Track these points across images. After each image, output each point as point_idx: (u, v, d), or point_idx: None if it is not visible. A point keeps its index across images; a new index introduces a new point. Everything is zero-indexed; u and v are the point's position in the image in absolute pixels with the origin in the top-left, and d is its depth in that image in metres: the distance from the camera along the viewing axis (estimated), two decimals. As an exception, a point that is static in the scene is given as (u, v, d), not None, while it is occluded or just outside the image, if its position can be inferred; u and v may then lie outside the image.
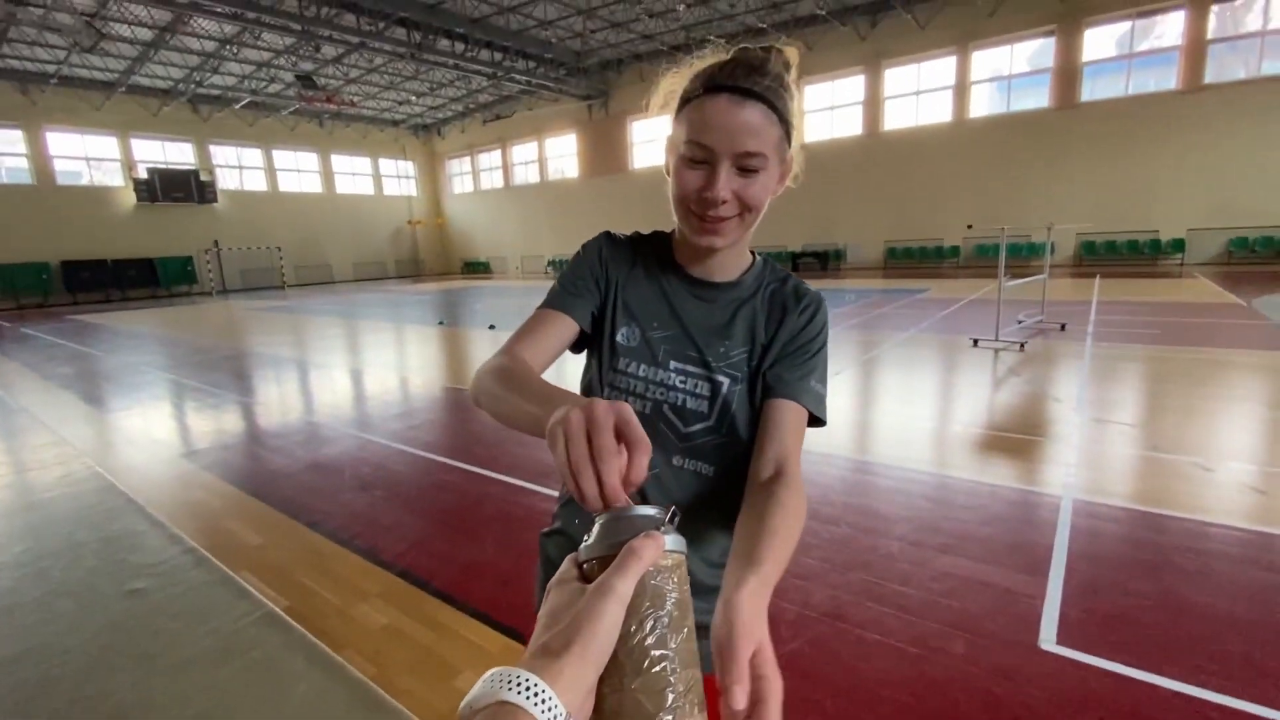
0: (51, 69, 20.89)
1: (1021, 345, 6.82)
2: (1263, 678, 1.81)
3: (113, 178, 24.23)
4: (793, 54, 0.77)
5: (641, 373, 0.82)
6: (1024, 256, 18.14)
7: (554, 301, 0.84)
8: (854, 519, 2.96)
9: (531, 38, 21.22)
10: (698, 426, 0.81)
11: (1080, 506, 2.97)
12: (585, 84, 25.12)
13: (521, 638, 2.15)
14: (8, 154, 21.94)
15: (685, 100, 0.75)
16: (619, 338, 0.84)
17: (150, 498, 3.64)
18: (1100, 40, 17.00)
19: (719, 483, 0.80)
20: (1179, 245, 16.36)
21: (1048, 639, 2.02)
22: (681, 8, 18.59)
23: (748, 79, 0.70)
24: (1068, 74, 17.22)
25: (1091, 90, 17.21)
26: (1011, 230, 7.43)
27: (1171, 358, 6.09)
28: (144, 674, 2.06)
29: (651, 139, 25.98)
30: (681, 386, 0.81)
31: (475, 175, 33.01)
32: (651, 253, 0.89)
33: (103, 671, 2.09)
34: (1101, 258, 17.45)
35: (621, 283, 0.86)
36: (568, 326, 0.83)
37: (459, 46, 20.34)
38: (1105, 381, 5.37)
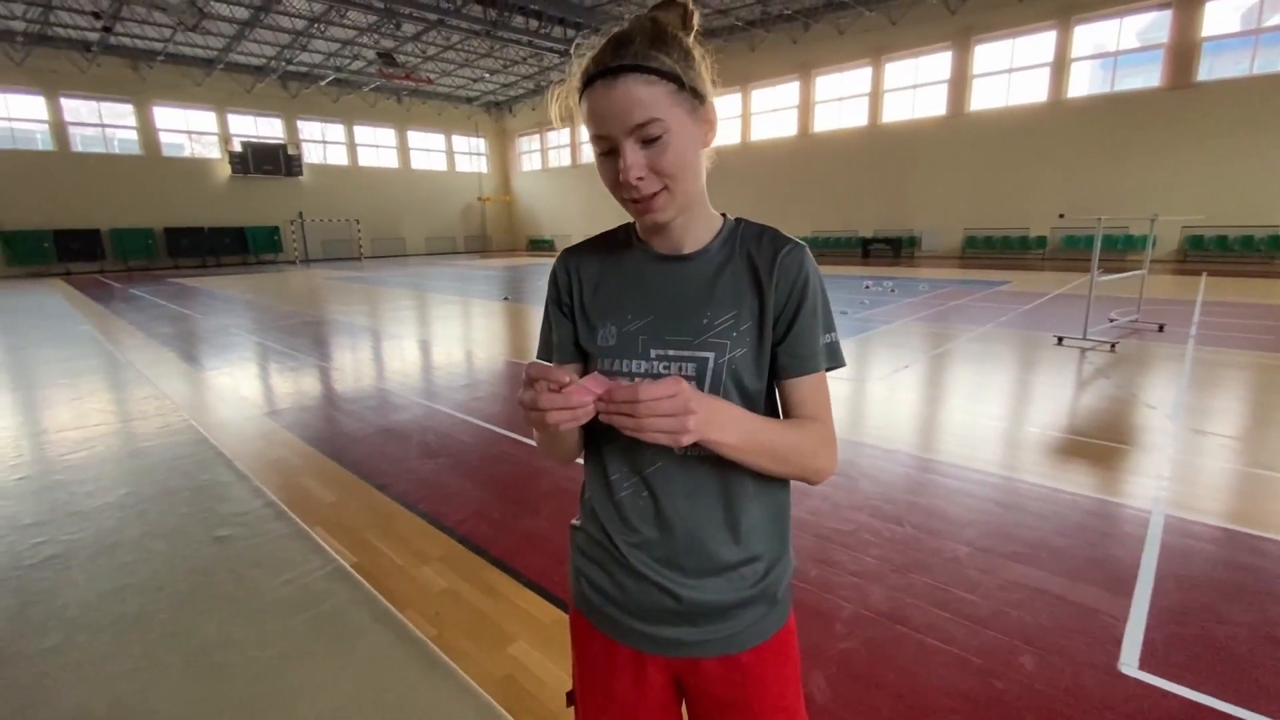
0: (159, 46, 22.34)
1: (1112, 345, 6.35)
2: (1382, 727, 1.63)
3: (210, 150, 25.87)
4: (671, 8, 0.74)
5: (626, 369, 0.81)
6: (1119, 249, 16.83)
7: (541, 354, 0.90)
8: (918, 519, 2.84)
9: (605, 13, 21.07)
10: None
11: (1172, 523, 2.75)
12: (656, 61, 24.74)
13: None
14: (120, 126, 23.73)
15: (581, 97, 0.73)
16: (599, 341, 0.84)
17: (236, 452, 3.90)
18: (1223, 14, 15.39)
19: (722, 465, 0.77)
20: (1303, 242, 14.79)
21: (1129, 663, 1.89)
22: (759, -19, 17.99)
23: (615, 56, 0.69)
24: (1184, 51, 15.71)
25: (1210, 69, 15.65)
26: (1108, 221, 6.88)
27: (1287, 366, 5.53)
28: (228, 615, 2.22)
29: (721, 117, 25.26)
30: (666, 372, 0.79)
31: (544, 153, 33.35)
32: (617, 245, 0.88)
33: (191, 611, 2.26)
34: (1209, 253, 15.99)
35: (588, 292, 0.86)
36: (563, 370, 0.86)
37: (533, 23, 20.46)
38: (1207, 389, 4.94)
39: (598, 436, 0.86)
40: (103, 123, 23.34)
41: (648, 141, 0.70)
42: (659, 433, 0.62)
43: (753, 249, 0.81)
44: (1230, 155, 15.34)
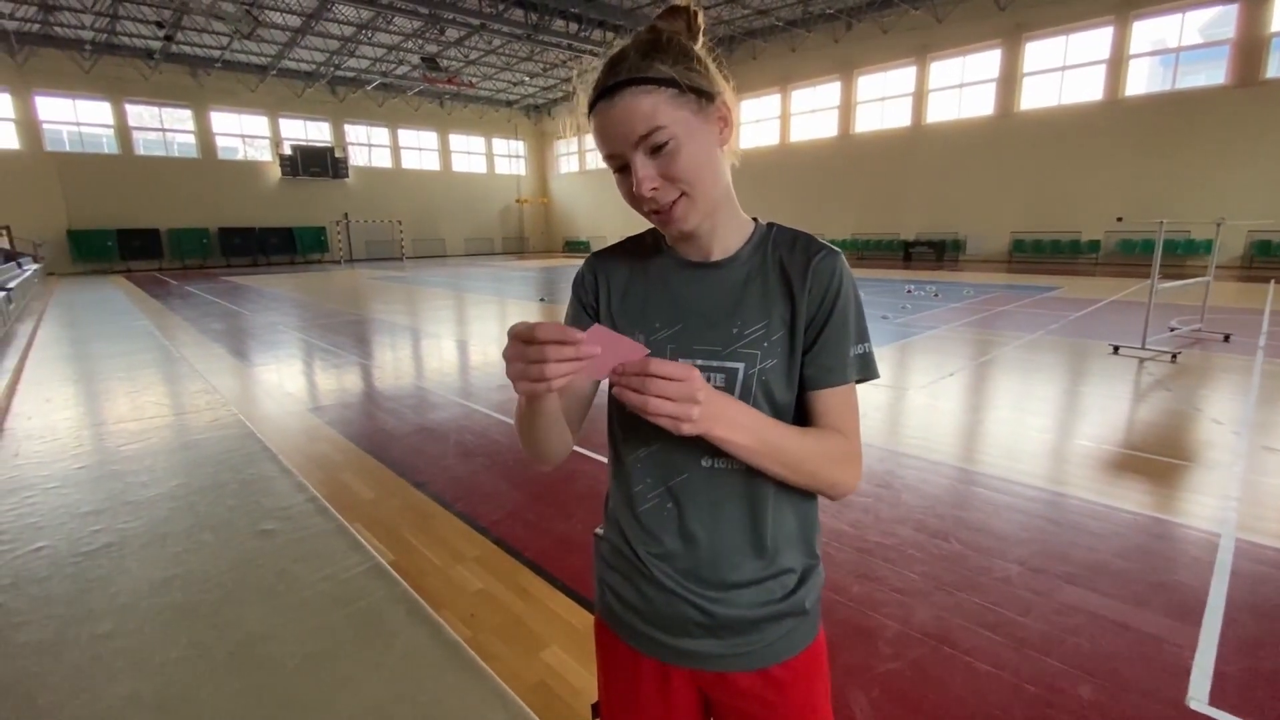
0: (216, 54, 23.30)
1: (1173, 356, 6.04)
2: None
3: (262, 153, 26.84)
4: (676, 16, 0.72)
5: None
6: (1179, 254, 16.06)
7: None
8: (966, 535, 2.73)
9: (644, 16, 21.10)
10: None
11: (1244, 548, 2.58)
12: (695, 63, 24.71)
13: (608, 619, 2.16)
14: (180, 130, 24.82)
15: (591, 128, 0.73)
16: None
17: (281, 446, 4.00)
18: (1300, 5, 14.55)
19: (748, 477, 0.76)
20: (1385, 249, 13.86)
21: (1198, 697, 1.77)
22: (801, -19, 17.77)
23: (610, 75, 0.68)
24: (1251, 45, 14.90)
25: (1282, 65, 14.82)
26: (1176, 225, 6.55)
27: (1370, 382, 5.16)
28: (270, 609, 2.26)
29: (759, 119, 25.24)
30: None
31: (581, 155, 33.59)
32: (645, 250, 0.85)
33: (235, 602, 2.31)
34: (1278, 260, 15.13)
35: (616, 298, 0.84)
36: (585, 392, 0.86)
37: (573, 27, 20.63)
38: (1278, 404, 4.65)
39: (622, 448, 0.84)
40: (163, 127, 24.44)
41: (655, 150, 0.68)
42: (662, 415, 0.60)
43: (785, 255, 0.78)
44: (1304, 156, 14.49)
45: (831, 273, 0.75)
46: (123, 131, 23.37)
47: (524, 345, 0.58)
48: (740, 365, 0.75)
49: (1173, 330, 7.11)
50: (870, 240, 22.28)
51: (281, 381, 5.87)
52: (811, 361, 0.75)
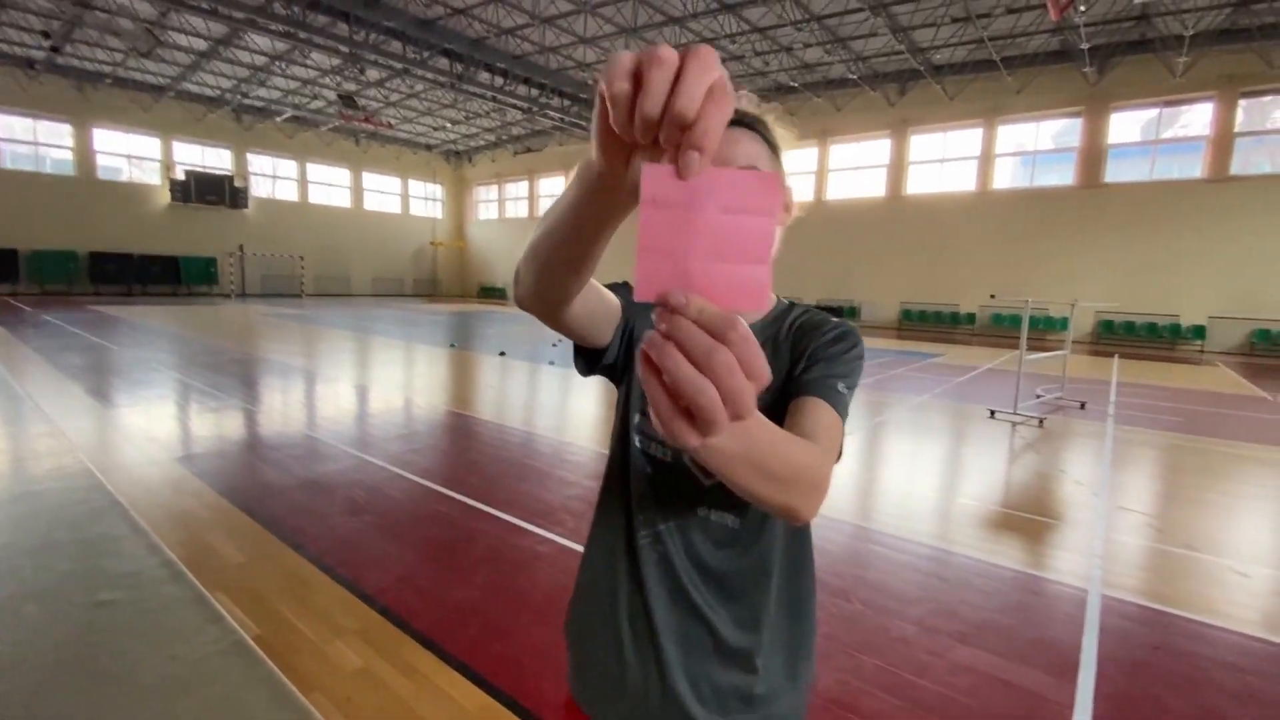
0: (107, 69, 21.66)
1: (1040, 421, 6.65)
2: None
3: (151, 176, 24.85)
4: (772, 114, 0.78)
5: (652, 429, 0.78)
6: (1039, 329, 18.02)
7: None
8: (865, 594, 2.79)
9: (568, 77, 21.81)
10: None
11: (1109, 604, 2.79)
12: (617, 125, 25.65)
13: (502, 697, 2.00)
14: (55, 145, 22.60)
15: None
16: (633, 388, 0.82)
17: (136, 500, 3.53)
18: (1126, 124, 17.22)
19: (744, 534, 0.77)
20: (1200, 332, 16.19)
21: (1077, 755, 1.84)
22: (717, 61, 19.06)
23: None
24: (1093, 154, 17.40)
25: (1116, 172, 17.36)
26: (1041, 303, 7.34)
27: (1197, 447, 5.90)
28: (101, 697, 1.93)
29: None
30: None
31: (501, 204, 33.58)
32: None
33: (59, 690, 1.95)
34: (1120, 337, 17.30)
35: (639, 329, 0.81)
36: (615, 304, 0.76)
37: (498, 80, 20.93)
38: (1128, 467, 5.19)
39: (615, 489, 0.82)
40: (37, 141, 22.19)
41: None
42: (679, 412, 0.33)
43: (802, 325, 0.80)
44: (1135, 249, 16.87)
45: (838, 329, 0.78)
46: (-17, 141, 20.99)
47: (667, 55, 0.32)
48: None
49: (1039, 397, 7.86)
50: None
51: (147, 426, 5.25)
52: (799, 380, 0.74)
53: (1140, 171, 17.06)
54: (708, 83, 0.31)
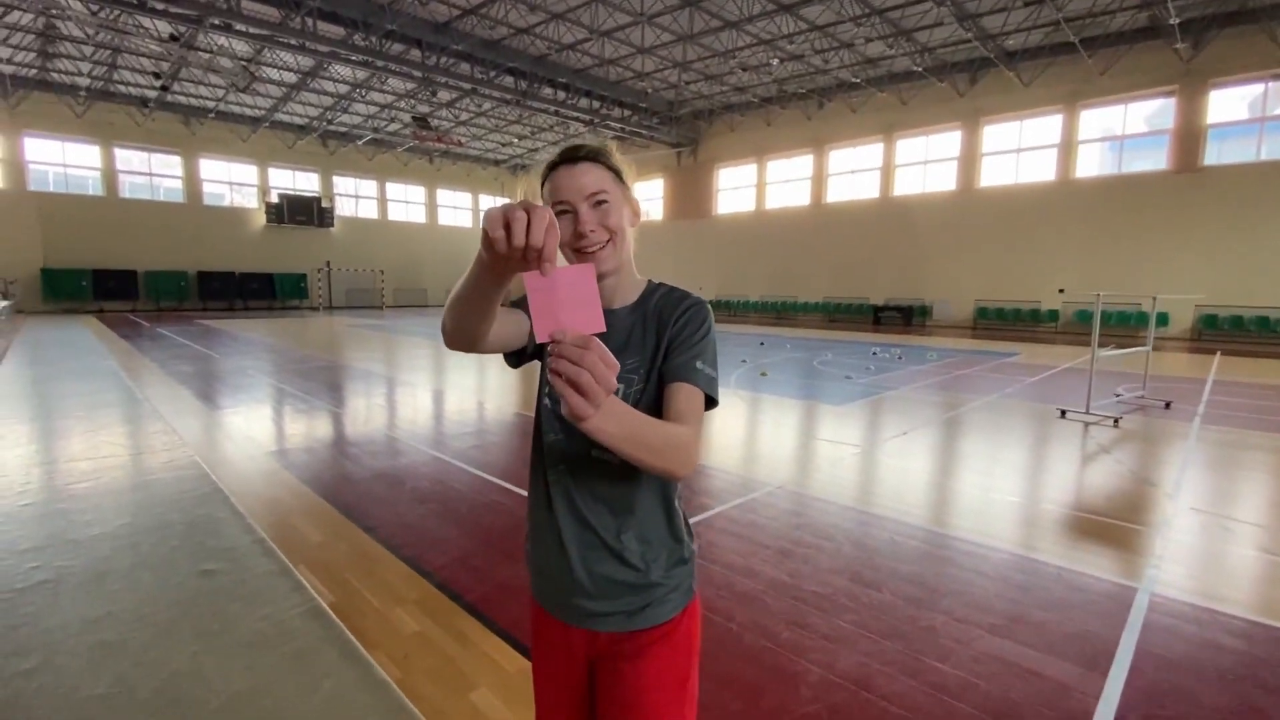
0: (210, 104, 23.87)
1: (1116, 420, 6.30)
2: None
3: (249, 200, 27.15)
4: (611, 145, 1.01)
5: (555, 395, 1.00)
6: (1133, 325, 16.81)
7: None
8: (898, 586, 2.82)
9: (628, 88, 22.23)
10: None
11: (1158, 601, 2.70)
12: (676, 132, 25.90)
13: (540, 662, 2.19)
14: (166, 175, 25.10)
15: (544, 180, 0.99)
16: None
17: (235, 489, 3.98)
18: (1228, 102, 15.88)
19: (624, 469, 0.97)
20: (1320, 325, 14.67)
21: (1096, 741, 1.85)
22: (775, 63, 18.96)
23: (573, 151, 0.97)
24: (1189, 136, 16.14)
25: (1217, 154, 16.02)
26: (1121, 297, 6.95)
27: (1296, 449, 5.44)
28: (201, 648, 2.25)
29: (736, 186, 26.31)
30: None
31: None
32: None
33: (167, 641, 2.30)
34: (1224, 333, 15.90)
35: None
36: (521, 318, 1.01)
37: (561, 94, 21.60)
38: (1208, 468, 4.87)
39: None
40: (151, 172, 24.71)
41: (597, 205, 0.95)
42: (576, 393, 0.64)
43: (663, 305, 1.01)
44: (1241, 237, 15.49)
45: (688, 307, 0.99)
46: (109, 174, 23.57)
47: (521, 211, 0.62)
48: (620, 386, 0.96)
49: (1118, 397, 7.42)
50: (841, 304, 22.98)
51: (245, 425, 5.85)
52: (663, 365, 0.96)
53: (1246, 152, 15.68)
54: (545, 224, 0.62)
